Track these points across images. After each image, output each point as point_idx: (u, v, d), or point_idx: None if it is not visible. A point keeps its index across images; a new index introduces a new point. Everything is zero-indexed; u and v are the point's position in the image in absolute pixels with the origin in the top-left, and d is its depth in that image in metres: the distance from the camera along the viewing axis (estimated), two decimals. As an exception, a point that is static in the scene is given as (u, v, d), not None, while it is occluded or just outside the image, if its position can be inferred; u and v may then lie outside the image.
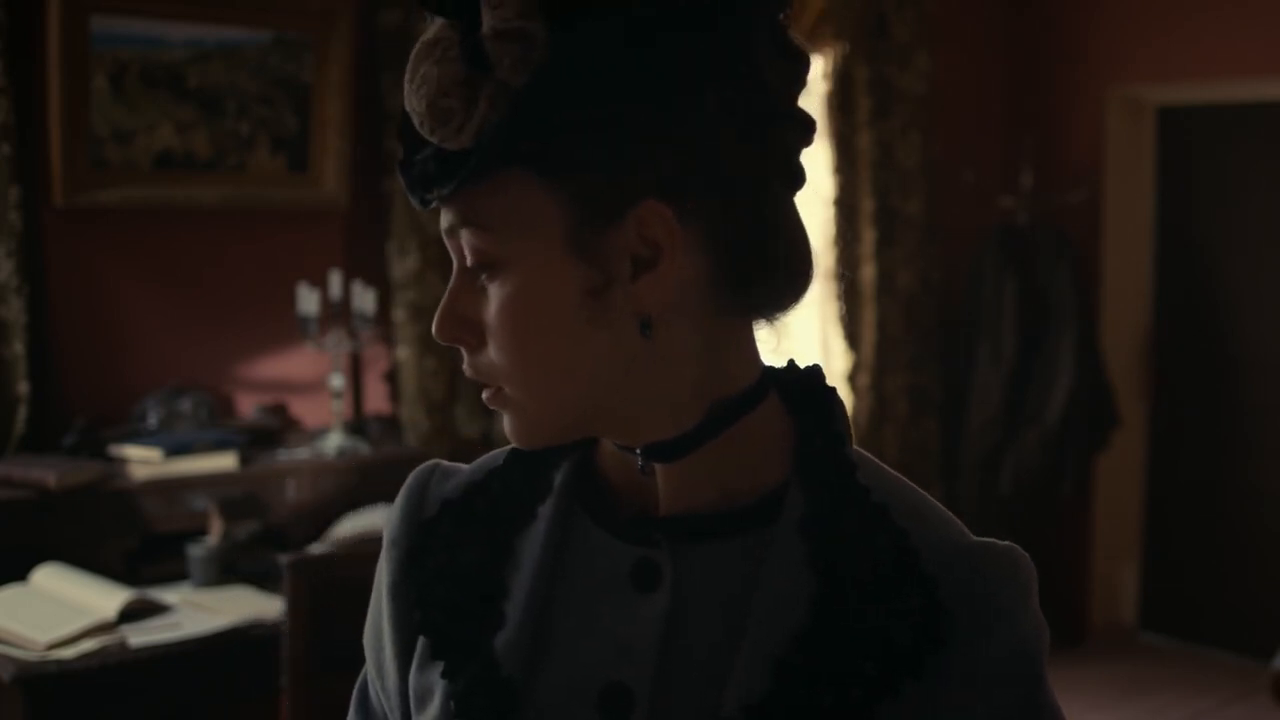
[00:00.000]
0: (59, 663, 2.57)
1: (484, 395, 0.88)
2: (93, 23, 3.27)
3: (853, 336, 4.67)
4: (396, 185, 3.72)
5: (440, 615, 0.91)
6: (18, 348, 3.19)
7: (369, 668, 1.00)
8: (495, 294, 0.83)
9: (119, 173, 3.39)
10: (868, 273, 4.67)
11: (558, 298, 0.82)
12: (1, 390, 3.20)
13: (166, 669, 2.69)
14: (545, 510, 0.91)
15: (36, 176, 3.26)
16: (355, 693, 1.02)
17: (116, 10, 3.31)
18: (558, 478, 0.92)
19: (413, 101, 0.81)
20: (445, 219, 0.84)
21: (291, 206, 3.71)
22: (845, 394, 4.67)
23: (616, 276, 0.81)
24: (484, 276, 0.83)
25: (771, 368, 0.92)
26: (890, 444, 4.72)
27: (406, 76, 0.81)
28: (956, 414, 4.90)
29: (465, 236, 0.82)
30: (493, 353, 0.84)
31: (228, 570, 3.04)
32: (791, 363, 0.94)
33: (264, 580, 3.02)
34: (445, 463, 1.00)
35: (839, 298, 4.73)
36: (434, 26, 0.82)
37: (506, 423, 0.88)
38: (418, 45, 0.81)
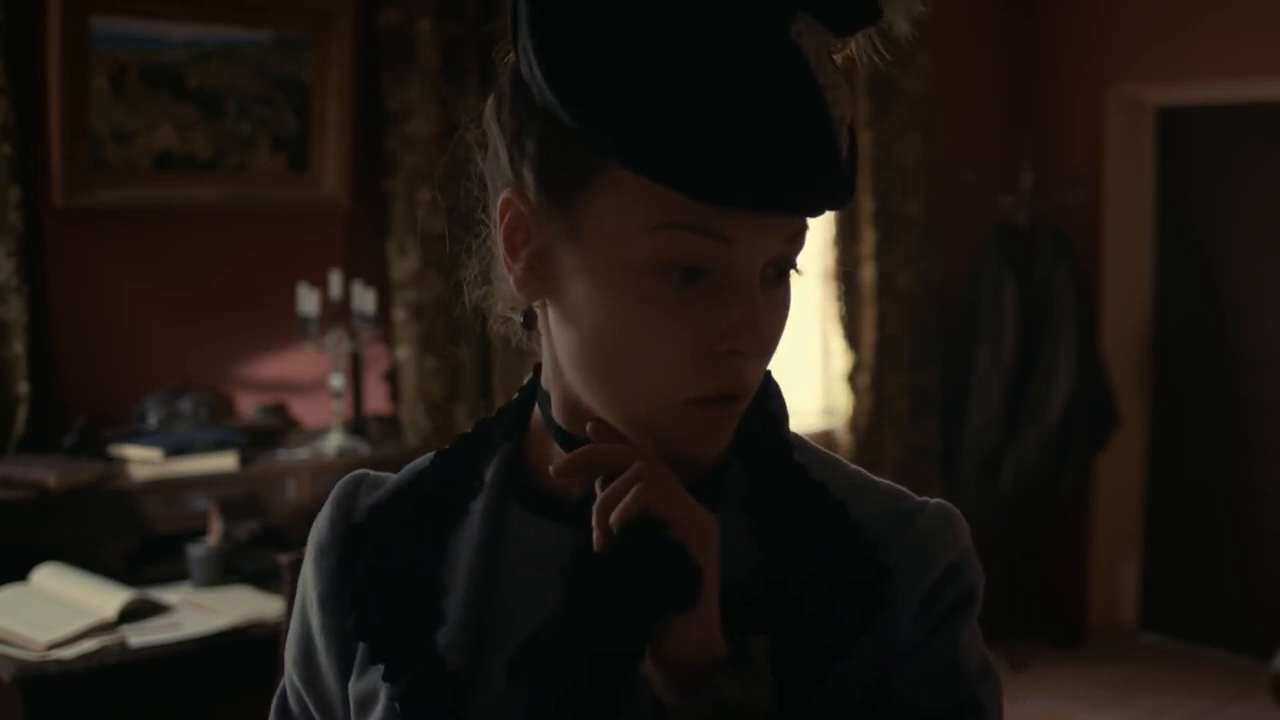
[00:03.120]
0: (59, 663, 2.57)
1: (720, 416, 0.83)
2: (93, 23, 3.27)
3: (853, 336, 4.67)
4: (396, 185, 3.73)
5: (375, 618, 0.91)
6: (18, 348, 3.18)
7: (294, 681, 0.99)
8: (786, 290, 0.83)
9: (119, 173, 3.39)
10: (868, 273, 4.67)
11: None
12: (1, 390, 3.20)
13: (166, 669, 2.69)
14: (478, 505, 0.92)
15: (36, 176, 3.25)
16: (274, 705, 1.02)
17: (116, 10, 3.31)
18: (488, 473, 0.93)
19: (843, 108, 0.79)
20: (785, 231, 0.80)
21: (291, 206, 3.71)
22: (845, 394, 4.68)
23: None
24: (783, 279, 0.83)
25: None
26: (890, 444, 4.73)
27: (826, 80, 0.78)
28: (956, 414, 4.89)
29: (801, 240, 0.82)
30: (772, 351, 0.84)
31: (228, 570, 3.04)
32: None
33: (264, 580, 3.02)
34: (372, 472, 0.99)
35: (839, 298, 4.73)
36: (824, 33, 0.79)
37: (719, 435, 0.84)
38: (821, 46, 0.78)
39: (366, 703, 0.91)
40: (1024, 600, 4.90)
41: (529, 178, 0.82)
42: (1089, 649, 5.01)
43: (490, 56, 4.47)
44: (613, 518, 0.78)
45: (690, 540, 0.77)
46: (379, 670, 0.90)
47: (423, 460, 0.98)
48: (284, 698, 1.01)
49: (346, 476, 0.99)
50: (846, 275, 4.64)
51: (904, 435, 4.79)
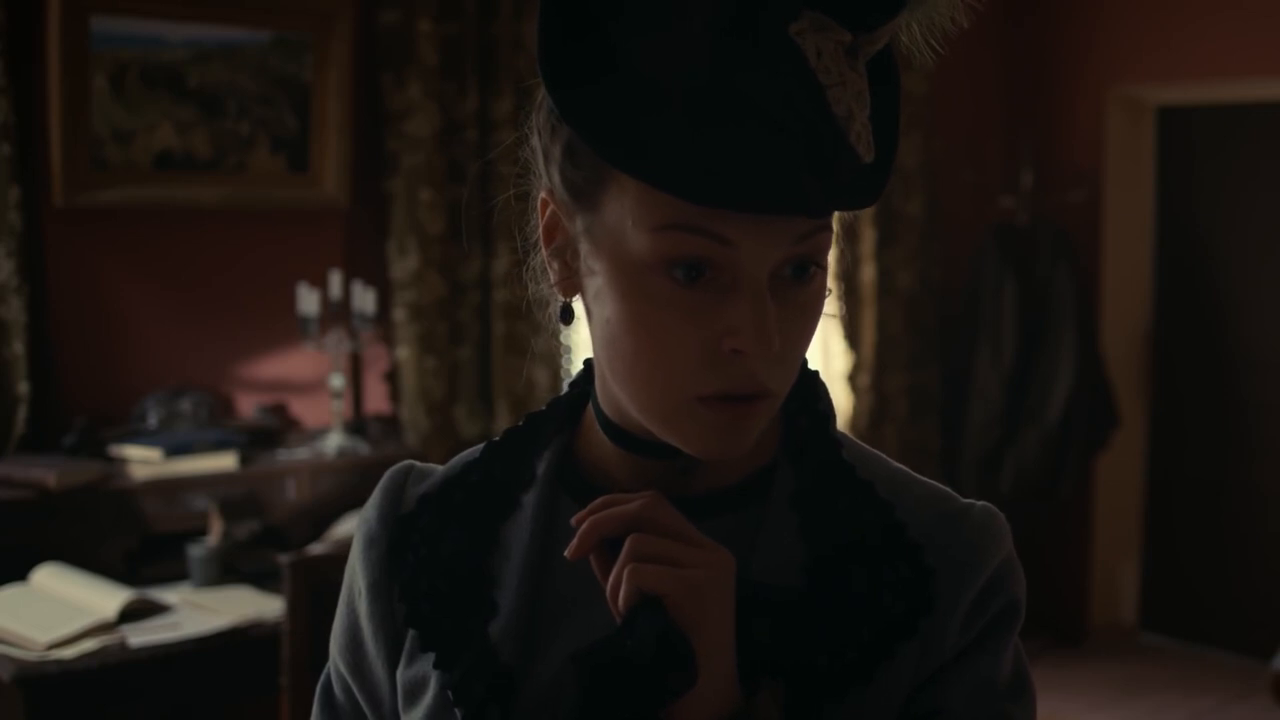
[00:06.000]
0: (59, 663, 2.57)
1: (734, 415, 0.82)
2: (93, 23, 3.27)
3: (853, 336, 4.67)
4: (396, 185, 3.73)
5: (428, 606, 0.92)
6: (18, 348, 3.19)
7: (341, 670, 1.00)
8: (810, 291, 0.83)
9: (119, 173, 3.39)
10: (868, 273, 4.67)
11: None
12: (1, 390, 3.20)
13: (166, 669, 2.69)
14: (530, 498, 0.93)
15: (36, 176, 3.26)
16: (318, 693, 1.03)
17: (116, 10, 3.31)
18: (540, 467, 0.94)
19: (849, 107, 0.78)
20: (792, 231, 0.79)
21: (291, 206, 3.71)
22: (845, 394, 4.67)
23: None
24: (805, 279, 0.83)
25: None
26: (890, 444, 4.72)
27: (830, 79, 0.77)
28: (956, 414, 4.89)
29: (818, 240, 0.82)
30: (792, 352, 0.83)
31: (228, 570, 3.04)
32: None
33: (264, 580, 3.02)
34: (419, 464, 1.01)
35: (839, 297, 4.72)
36: (833, 30, 0.78)
37: (735, 435, 0.83)
38: (825, 44, 0.78)
39: (415, 690, 0.92)
40: (1024, 600, 4.89)
41: (556, 178, 0.85)
42: (1089, 649, 5.01)
43: (490, 56, 4.43)
44: (619, 603, 0.80)
45: (686, 615, 0.78)
46: (429, 659, 0.91)
47: (472, 452, 0.99)
48: (328, 686, 1.02)
49: (394, 467, 1.00)
50: (846, 275, 4.64)
51: (904, 435, 4.79)
